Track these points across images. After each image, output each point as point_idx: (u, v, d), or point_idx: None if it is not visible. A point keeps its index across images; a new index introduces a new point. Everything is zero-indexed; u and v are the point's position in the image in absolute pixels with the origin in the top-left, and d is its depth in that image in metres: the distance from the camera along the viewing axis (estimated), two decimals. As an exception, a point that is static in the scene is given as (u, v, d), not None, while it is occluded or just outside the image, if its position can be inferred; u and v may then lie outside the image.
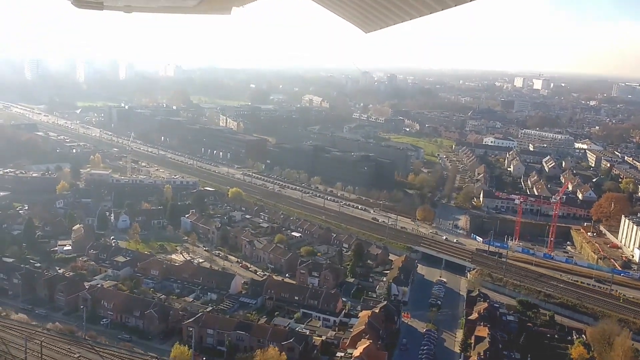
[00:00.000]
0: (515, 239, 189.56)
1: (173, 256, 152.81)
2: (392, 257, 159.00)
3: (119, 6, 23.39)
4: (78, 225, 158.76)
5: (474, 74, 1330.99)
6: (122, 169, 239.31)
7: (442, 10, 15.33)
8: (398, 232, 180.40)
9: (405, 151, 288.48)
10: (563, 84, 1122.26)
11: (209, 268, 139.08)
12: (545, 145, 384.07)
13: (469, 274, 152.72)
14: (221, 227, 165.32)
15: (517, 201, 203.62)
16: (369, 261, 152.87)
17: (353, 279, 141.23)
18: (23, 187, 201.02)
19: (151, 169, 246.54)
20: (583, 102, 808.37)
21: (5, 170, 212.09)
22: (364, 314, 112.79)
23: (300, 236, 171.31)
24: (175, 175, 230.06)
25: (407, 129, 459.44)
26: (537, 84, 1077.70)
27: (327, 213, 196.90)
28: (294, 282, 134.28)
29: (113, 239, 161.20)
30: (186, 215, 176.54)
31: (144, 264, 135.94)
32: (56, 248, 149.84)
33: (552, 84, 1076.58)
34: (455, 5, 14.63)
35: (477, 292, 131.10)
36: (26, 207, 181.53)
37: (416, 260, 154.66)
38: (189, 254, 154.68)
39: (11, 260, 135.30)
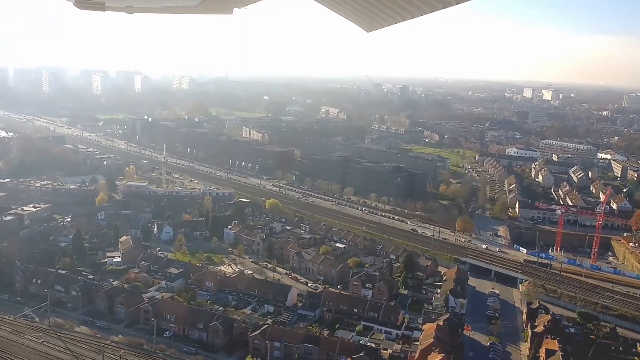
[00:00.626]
0: (556, 250, 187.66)
1: (221, 268, 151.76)
2: (439, 268, 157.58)
3: (120, 7, 23.80)
4: (125, 237, 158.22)
5: (482, 85, 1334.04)
6: (155, 180, 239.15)
7: (444, 8, 15.24)
8: (441, 243, 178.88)
9: (434, 162, 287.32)
10: (572, 95, 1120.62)
11: (264, 279, 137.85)
12: (569, 155, 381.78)
13: (520, 286, 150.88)
14: (266, 239, 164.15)
15: (558, 212, 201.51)
16: (418, 273, 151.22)
17: (407, 291, 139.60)
18: (61, 199, 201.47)
19: (185, 181, 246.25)
20: (595, 112, 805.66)
21: (43, 183, 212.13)
22: (429, 327, 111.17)
23: (344, 247, 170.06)
24: (210, 187, 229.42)
25: (427, 140, 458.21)
26: (547, 95, 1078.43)
27: (367, 224, 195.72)
28: (349, 294, 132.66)
29: (159, 250, 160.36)
30: (229, 227, 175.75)
31: (198, 276, 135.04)
32: (106, 260, 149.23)
33: (561, 95, 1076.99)
34: (457, 4, 14.57)
35: (537, 304, 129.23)
36: (68, 219, 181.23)
37: (468, 272, 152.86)
38: (236, 266, 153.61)
39: (63, 272, 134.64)
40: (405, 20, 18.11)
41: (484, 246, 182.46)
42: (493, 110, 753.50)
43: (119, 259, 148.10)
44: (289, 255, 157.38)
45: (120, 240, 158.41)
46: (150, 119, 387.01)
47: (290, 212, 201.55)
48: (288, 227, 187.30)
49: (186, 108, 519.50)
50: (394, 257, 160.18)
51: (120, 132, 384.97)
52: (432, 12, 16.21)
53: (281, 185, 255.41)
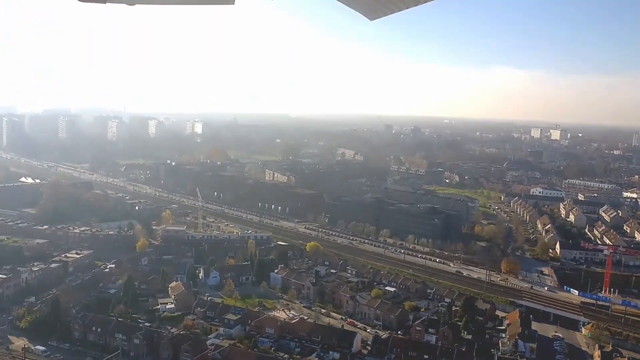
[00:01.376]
0: (605, 291, 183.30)
1: (275, 313, 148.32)
2: (497, 312, 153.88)
3: None
4: (175, 283, 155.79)
5: (486, 125, 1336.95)
6: (190, 224, 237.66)
7: None
8: (492, 285, 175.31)
9: (466, 202, 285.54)
10: (580, 134, 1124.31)
11: (327, 325, 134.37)
12: (595, 195, 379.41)
13: (583, 329, 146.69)
14: (317, 283, 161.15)
15: (605, 252, 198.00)
16: (477, 317, 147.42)
17: (470, 336, 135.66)
18: (101, 245, 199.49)
19: (220, 225, 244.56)
20: (607, 151, 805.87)
21: (82, 229, 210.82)
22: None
23: (395, 291, 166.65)
24: (247, 231, 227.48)
25: (447, 181, 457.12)
26: (555, 135, 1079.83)
27: (411, 266, 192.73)
28: (415, 340, 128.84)
29: (208, 295, 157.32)
30: (275, 271, 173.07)
31: (258, 322, 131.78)
32: (158, 306, 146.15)
33: (568, 134, 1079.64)
34: None
35: (610, 348, 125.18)
36: (112, 265, 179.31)
37: (531, 315, 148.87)
38: (289, 311, 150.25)
39: (120, 319, 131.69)
40: (409, 7, 17.75)
41: (529, 286, 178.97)
42: (505, 151, 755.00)
43: (172, 306, 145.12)
44: (342, 299, 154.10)
45: (170, 286, 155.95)
46: (173, 164, 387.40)
47: (332, 255, 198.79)
48: (333, 271, 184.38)
49: (204, 152, 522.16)
50: (449, 301, 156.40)
51: (143, 177, 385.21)
52: None
53: (314, 227, 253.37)
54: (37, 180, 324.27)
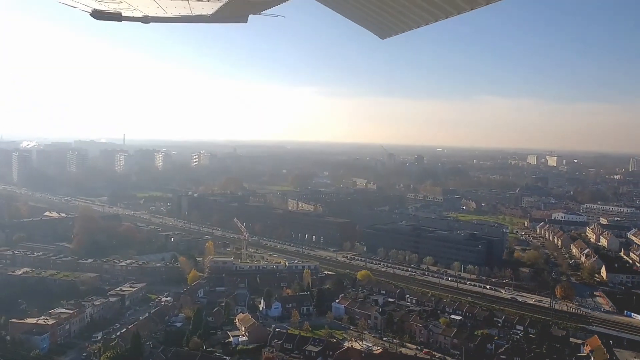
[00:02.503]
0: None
1: (346, 344, 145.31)
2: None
3: (137, 17, 24.29)
4: (243, 315, 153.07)
5: (478, 154, 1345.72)
6: (230, 255, 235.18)
7: (458, 14, 15.14)
8: (556, 311, 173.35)
9: (500, 229, 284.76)
10: (575, 160, 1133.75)
11: (413, 356, 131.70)
12: (617, 219, 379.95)
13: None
14: (386, 312, 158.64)
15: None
16: (554, 344, 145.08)
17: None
18: (149, 278, 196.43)
19: (264, 255, 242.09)
20: (606, 176, 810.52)
21: (128, 262, 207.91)
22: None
23: (461, 319, 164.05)
24: (294, 260, 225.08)
25: (464, 208, 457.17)
26: (552, 161, 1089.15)
27: (468, 294, 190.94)
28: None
29: (274, 327, 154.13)
30: (336, 301, 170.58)
31: (341, 354, 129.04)
32: (231, 339, 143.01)
33: (564, 160, 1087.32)
34: (472, 9, 14.48)
35: None
36: (167, 298, 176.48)
37: (611, 341, 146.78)
38: (361, 342, 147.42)
39: (203, 353, 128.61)
40: (420, 26, 18.03)
41: (588, 311, 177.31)
42: (509, 177, 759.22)
43: (245, 338, 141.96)
44: (412, 328, 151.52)
45: (237, 318, 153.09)
46: (195, 195, 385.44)
47: (387, 284, 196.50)
48: (390, 300, 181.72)
49: (218, 183, 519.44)
50: (521, 328, 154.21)
51: (164, 209, 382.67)
52: (446, 17, 16.04)
53: (351, 256, 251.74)
54: (63, 214, 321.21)
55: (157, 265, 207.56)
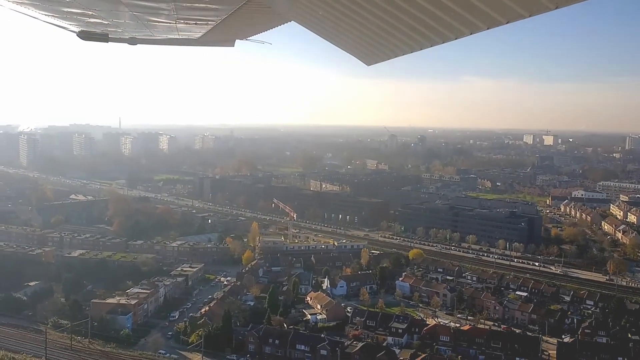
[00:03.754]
0: None
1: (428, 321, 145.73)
2: None
3: (124, 38, 24.60)
4: (315, 293, 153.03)
5: (470, 134, 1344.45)
6: (273, 235, 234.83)
7: (443, 42, 15.48)
8: (619, 286, 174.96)
9: (534, 206, 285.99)
10: (571, 140, 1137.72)
11: (504, 331, 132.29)
12: (638, 196, 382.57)
13: None
14: (457, 290, 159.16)
15: None
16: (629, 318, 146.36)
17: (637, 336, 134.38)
18: (200, 259, 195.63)
19: (309, 235, 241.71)
20: (605, 154, 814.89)
21: (179, 243, 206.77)
22: None
23: (527, 295, 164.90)
24: (342, 240, 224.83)
25: (479, 187, 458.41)
26: (548, 140, 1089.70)
27: (526, 271, 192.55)
28: (595, 342, 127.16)
29: (344, 305, 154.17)
30: (400, 279, 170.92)
31: (430, 330, 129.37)
32: (308, 317, 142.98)
33: (559, 140, 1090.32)
34: (456, 38, 14.74)
35: None
36: (227, 279, 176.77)
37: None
38: (436, 318, 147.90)
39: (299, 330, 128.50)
40: (405, 53, 18.36)
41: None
42: (512, 157, 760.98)
43: (324, 316, 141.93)
44: (485, 305, 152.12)
45: (309, 296, 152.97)
46: (217, 177, 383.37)
47: (444, 262, 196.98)
48: (449, 277, 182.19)
49: (231, 165, 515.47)
50: (591, 303, 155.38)
51: (185, 191, 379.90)
52: (431, 46, 16.33)
53: (388, 235, 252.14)
54: (90, 197, 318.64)
55: (208, 246, 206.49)
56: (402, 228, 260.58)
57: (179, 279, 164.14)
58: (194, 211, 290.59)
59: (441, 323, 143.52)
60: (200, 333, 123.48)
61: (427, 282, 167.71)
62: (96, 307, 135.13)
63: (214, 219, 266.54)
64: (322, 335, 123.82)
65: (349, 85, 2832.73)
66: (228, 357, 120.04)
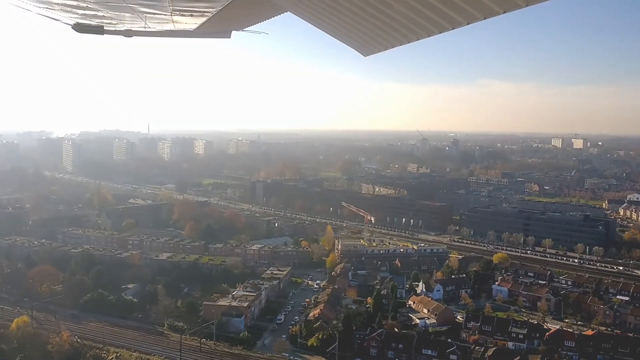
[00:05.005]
0: None
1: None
2: None
3: (119, 30, 24.41)
4: (419, 297, 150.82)
5: (497, 138, 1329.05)
6: (346, 238, 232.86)
7: (440, 32, 15.15)
8: None
9: (602, 210, 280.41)
10: (600, 143, 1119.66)
11: (633, 337, 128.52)
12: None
13: None
14: (562, 294, 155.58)
15: None
16: None
17: None
18: (281, 262, 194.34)
19: (383, 239, 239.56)
20: (639, 158, 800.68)
21: (258, 246, 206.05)
22: None
23: (628, 300, 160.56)
24: (421, 244, 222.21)
25: (527, 190, 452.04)
26: (577, 144, 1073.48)
27: (619, 275, 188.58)
28: None
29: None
30: (496, 283, 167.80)
31: (552, 335, 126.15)
32: (416, 322, 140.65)
33: (589, 143, 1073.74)
34: (453, 28, 14.38)
35: None
36: (318, 282, 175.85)
37: None
38: (545, 323, 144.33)
39: (425, 335, 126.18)
40: (402, 44, 18.02)
41: None
42: (548, 160, 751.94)
43: (433, 320, 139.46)
44: (593, 310, 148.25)
45: (412, 300, 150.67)
46: (269, 181, 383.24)
47: (533, 266, 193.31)
48: (541, 282, 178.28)
49: (272, 169, 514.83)
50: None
51: (236, 195, 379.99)
52: (428, 36, 15.96)
53: (457, 239, 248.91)
54: (149, 201, 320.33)
55: (288, 249, 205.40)
56: (471, 232, 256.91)
57: (274, 282, 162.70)
58: (257, 215, 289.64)
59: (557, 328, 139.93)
60: (320, 336, 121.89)
61: (526, 286, 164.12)
62: (208, 309, 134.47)
63: (281, 223, 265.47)
64: (449, 340, 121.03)
65: (364, 89, 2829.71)
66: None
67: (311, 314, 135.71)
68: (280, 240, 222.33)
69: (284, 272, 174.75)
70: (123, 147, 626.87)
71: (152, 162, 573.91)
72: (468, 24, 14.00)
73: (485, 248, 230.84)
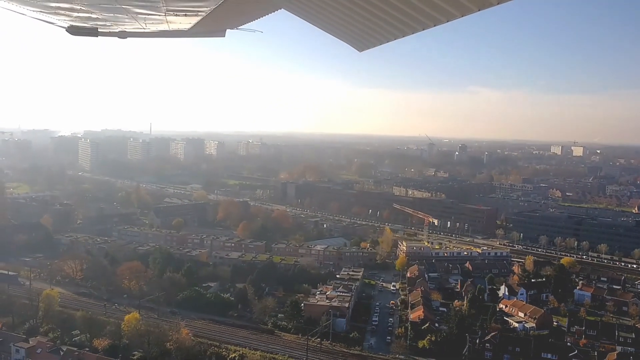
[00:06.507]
0: None
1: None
2: None
3: (113, 32, 24.53)
4: (511, 300, 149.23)
5: (493, 145, 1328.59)
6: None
7: (435, 25, 15.28)
8: None
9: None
10: (598, 151, 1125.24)
11: None
12: None
13: None
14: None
15: None
16: None
17: None
18: (347, 263, 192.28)
19: (442, 242, 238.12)
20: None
21: (324, 247, 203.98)
22: None
23: None
24: (483, 248, 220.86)
25: (550, 197, 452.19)
26: (577, 151, 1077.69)
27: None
28: None
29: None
30: (577, 287, 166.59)
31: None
32: (515, 325, 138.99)
33: (588, 151, 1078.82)
34: (447, 21, 14.57)
35: None
36: (393, 283, 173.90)
37: None
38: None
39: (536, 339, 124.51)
40: (397, 38, 18.19)
41: None
42: (553, 167, 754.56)
43: (532, 324, 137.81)
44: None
45: (502, 303, 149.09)
46: (300, 182, 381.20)
47: (604, 271, 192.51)
48: (616, 287, 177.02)
49: (294, 171, 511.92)
50: None
51: (264, 196, 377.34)
52: (423, 29, 15.99)
53: (506, 243, 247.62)
54: (186, 201, 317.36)
55: (353, 250, 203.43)
56: (520, 236, 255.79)
57: (356, 284, 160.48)
58: (302, 216, 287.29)
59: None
60: (432, 338, 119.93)
61: (610, 291, 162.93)
62: (309, 309, 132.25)
63: (329, 224, 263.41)
64: (568, 344, 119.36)
65: (353, 94, 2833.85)
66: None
67: (413, 316, 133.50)
68: (338, 241, 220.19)
69: (359, 273, 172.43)
70: (138, 146, 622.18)
71: (170, 162, 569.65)
72: (462, 16, 13.99)
73: (542, 252, 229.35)
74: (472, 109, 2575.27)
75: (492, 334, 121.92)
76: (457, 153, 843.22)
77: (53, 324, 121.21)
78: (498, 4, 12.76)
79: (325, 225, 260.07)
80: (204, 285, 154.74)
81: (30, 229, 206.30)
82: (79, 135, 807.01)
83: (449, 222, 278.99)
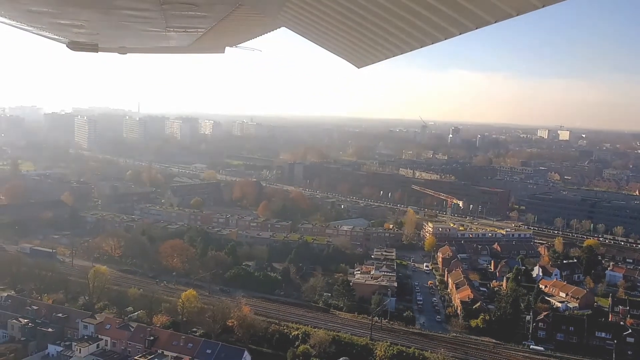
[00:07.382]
0: None
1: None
2: None
3: (113, 48, 24.96)
4: (550, 281, 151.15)
5: (479, 128, 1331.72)
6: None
7: (433, 43, 15.85)
8: None
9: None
10: (583, 135, 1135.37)
11: None
12: None
13: None
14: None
15: None
16: None
17: None
18: (374, 244, 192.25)
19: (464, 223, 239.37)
20: (628, 151, 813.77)
21: (350, 228, 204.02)
22: None
23: None
24: (507, 229, 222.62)
25: (550, 180, 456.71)
26: (563, 135, 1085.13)
27: None
28: None
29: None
30: (609, 268, 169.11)
31: None
32: (557, 305, 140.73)
33: (573, 135, 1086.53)
34: (446, 39, 15.06)
35: None
36: (426, 264, 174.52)
37: None
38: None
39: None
40: (395, 55, 18.73)
41: None
42: (545, 150, 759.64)
43: (575, 304, 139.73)
44: None
45: (543, 284, 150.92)
46: (308, 163, 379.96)
47: (635, 254, 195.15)
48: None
49: (295, 152, 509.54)
50: None
51: (271, 176, 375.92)
52: (421, 47, 16.58)
53: (520, 225, 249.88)
54: (197, 181, 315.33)
55: (380, 230, 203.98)
56: (535, 218, 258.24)
57: (393, 264, 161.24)
58: (318, 197, 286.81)
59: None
60: (486, 317, 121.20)
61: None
62: (359, 288, 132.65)
63: (347, 205, 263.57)
64: (622, 323, 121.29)
65: (340, 76, 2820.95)
66: (526, 342, 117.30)
67: (461, 295, 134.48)
68: (360, 222, 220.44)
69: (393, 254, 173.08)
70: (135, 125, 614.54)
71: (169, 142, 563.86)
72: (460, 34, 14.00)
73: (559, 234, 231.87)
74: (455, 92, 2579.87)
75: (545, 313, 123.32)
76: (450, 136, 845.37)
77: (106, 301, 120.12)
78: (495, 22, 12.53)
79: (342, 206, 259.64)
80: (243, 264, 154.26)
81: (52, 207, 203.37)
82: (70, 112, 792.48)
83: (460, 204, 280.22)
